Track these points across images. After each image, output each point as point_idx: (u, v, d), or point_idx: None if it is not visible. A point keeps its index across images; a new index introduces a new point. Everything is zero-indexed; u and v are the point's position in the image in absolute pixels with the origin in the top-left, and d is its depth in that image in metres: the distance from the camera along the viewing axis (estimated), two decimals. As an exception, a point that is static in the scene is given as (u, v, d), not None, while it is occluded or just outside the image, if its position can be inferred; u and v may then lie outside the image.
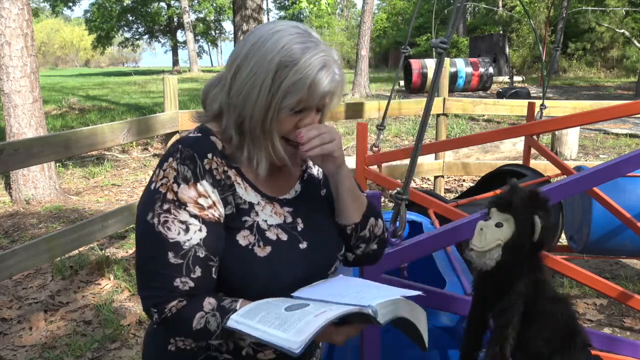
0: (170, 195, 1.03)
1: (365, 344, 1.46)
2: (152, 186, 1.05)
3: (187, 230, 1.02)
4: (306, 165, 1.24)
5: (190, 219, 1.02)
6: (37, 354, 2.94)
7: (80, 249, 4.16)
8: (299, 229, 1.15)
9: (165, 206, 1.02)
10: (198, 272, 1.02)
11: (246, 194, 1.11)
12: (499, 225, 1.18)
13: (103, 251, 4.36)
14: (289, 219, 1.14)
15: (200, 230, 1.03)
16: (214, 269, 1.05)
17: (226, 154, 1.11)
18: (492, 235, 1.18)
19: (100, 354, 2.93)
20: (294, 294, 1.09)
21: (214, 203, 1.05)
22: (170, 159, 1.05)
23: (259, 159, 1.09)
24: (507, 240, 1.17)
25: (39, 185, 5.80)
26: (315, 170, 1.26)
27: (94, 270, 3.95)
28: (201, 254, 1.03)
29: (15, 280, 3.84)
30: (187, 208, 1.02)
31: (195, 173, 1.04)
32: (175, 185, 1.03)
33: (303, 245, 1.13)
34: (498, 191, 3.23)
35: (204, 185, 1.05)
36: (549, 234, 1.20)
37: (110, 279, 3.84)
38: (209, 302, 1.02)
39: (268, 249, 1.08)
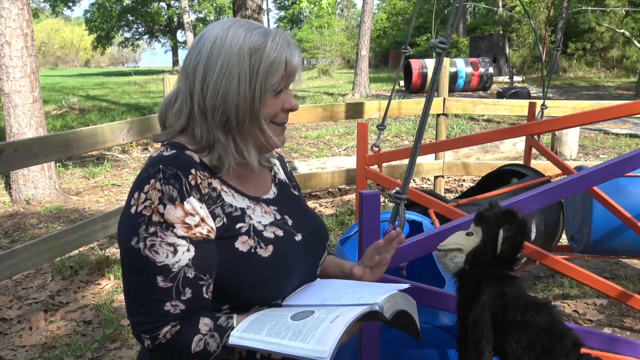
0: (155, 218, 0.99)
1: (365, 343, 1.46)
2: (133, 210, 1.01)
3: (175, 252, 1.00)
4: (274, 171, 1.28)
5: (178, 240, 1.00)
6: (37, 354, 2.94)
7: (80, 249, 4.17)
8: (290, 223, 1.17)
9: (151, 229, 0.99)
10: (188, 293, 1.01)
11: (235, 200, 1.11)
12: (469, 234, 1.23)
13: (103, 251, 4.36)
14: (278, 216, 1.16)
15: (188, 250, 1.01)
16: (204, 288, 1.03)
17: (208, 164, 1.10)
18: (456, 239, 1.23)
19: (100, 354, 2.93)
20: (283, 303, 1.09)
21: (202, 219, 1.03)
22: (152, 181, 1.01)
23: (247, 150, 1.11)
24: (470, 249, 1.21)
25: (39, 185, 5.80)
26: (282, 175, 1.30)
27: (94, 270, 3.96)
28: (190, 274, 1.01)
29: (15, 280, 3.84)
30: (174, 230, 1.00)
31: (182, 191, 1.02)
32: (160, 207, 1.00)
33: (298, 237, 1.16)
34: (498, 191, 3.24)
35: (191, 202, 1.02)
36: (514, 249, 1.23)
37: (110, 279, 3.84)
38: (205, 323, 1.01)
39: (270, 248, 1.09)
